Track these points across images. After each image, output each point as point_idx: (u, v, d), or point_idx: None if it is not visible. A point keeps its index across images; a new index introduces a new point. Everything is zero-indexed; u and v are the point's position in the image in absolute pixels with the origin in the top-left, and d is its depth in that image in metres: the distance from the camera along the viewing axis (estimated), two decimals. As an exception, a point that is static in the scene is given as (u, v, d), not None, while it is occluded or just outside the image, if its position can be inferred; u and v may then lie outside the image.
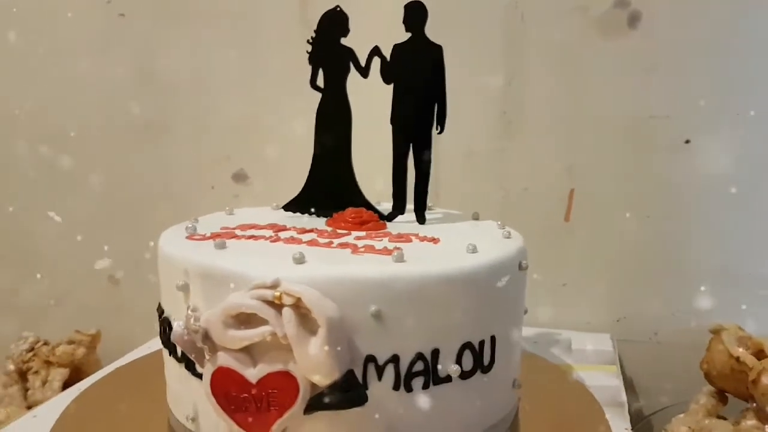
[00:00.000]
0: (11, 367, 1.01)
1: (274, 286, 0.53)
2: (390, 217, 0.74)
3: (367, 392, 0.54)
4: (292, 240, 0.63)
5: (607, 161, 0.94)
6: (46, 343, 1.03)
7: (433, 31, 0.93)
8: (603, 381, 0.79)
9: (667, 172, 0.92)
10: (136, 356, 0.88)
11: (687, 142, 0.91)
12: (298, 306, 0.52)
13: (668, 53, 0.89)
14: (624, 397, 0.76)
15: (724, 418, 0.76)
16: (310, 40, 0.74)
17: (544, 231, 0.97)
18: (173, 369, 0.64)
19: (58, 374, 0.99)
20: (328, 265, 0.55)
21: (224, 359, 0.55)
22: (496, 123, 0.97)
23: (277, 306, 0.52)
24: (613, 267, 0.96)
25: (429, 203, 0.82)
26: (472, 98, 0.96)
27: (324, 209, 0.75)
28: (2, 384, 0.97)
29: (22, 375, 1.01)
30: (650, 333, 0.97)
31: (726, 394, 0.78)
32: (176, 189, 1.12)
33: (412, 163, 0.74)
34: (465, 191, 0.99)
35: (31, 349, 1.02)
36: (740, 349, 0.73)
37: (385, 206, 0.76)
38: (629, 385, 0.97)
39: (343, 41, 0.74)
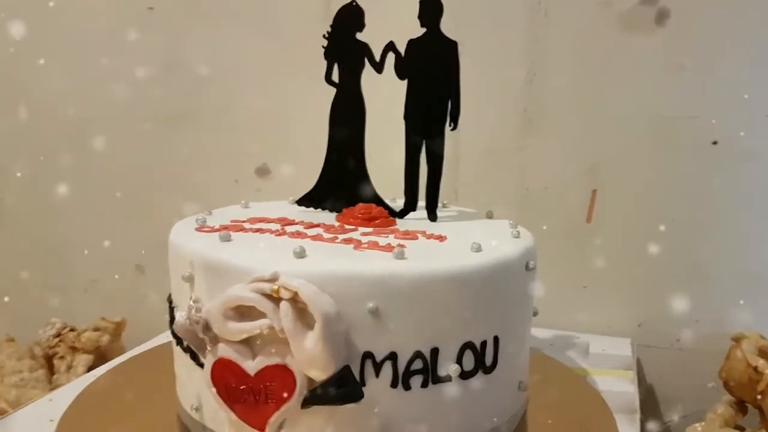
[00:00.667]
0: (38, 351, 1.04)
1: (272, 279, 0.53)
2: (401, 214, 0.74)
3: (364, 389, 0.54)
4: (297, 234, 0.63)
5: (630, 161, 0.92)
6: (72, 330, 1.06)
7: (455, 26, 0.92)
8: (617, 387, 0.78)
9: (692, 174, 0.90)
10: (155, 344, 0.89)
11: (714, 143, 0.88)
12: (295, 300, 0.52)
13: (696, 52, 0.87)
14: (637, 405, 0.74)
15: (743, 429, 0.74)
16: (326, 35, 0.74)
17: (564, 231, 0.96)
18: (180, 359, 0.65)
19: (83, 360, 1.02)
20: (327, 261, 0.55)
21: (224, 351, 0.56)
22: (517, 120, 0.96)
23: (275, 299, 0.53)
24: (635, 270, 0.94)
25: (444, 201, 0.81)
26: (493, 95, 0.96)
27: (336, 204, 0.75)
28: (29, 368, 0.99)
29: (49, 360, 1.04)
30: (672, 339, 0.94)
31: (746, 404, 0.76)
32: (201, 182, 1.13)
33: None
34: (484, 189, 0.98)
35: (58, 334, 1.05)
36: (759, 359, 0.71)
37: (401, 203, 0.75)
38: (649, 392, 0.95)
39: (359, 36, 0.74)
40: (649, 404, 0.94)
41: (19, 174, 1.24)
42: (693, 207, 0.91)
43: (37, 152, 1.23)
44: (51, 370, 1.03)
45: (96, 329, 1.06)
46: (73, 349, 1.03)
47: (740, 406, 0.76)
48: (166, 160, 1.16)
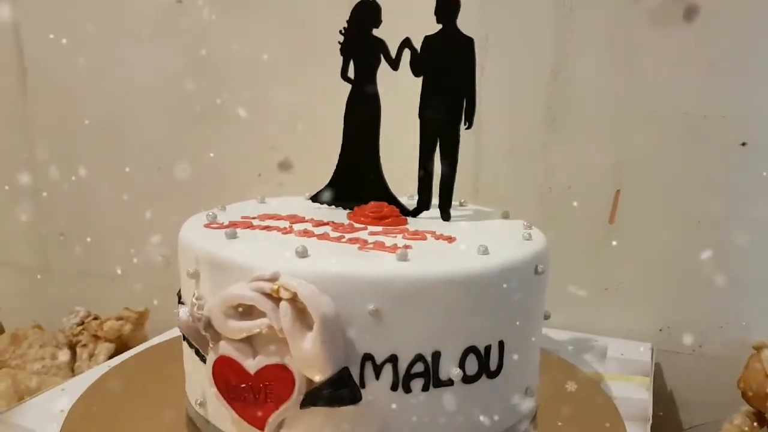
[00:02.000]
0: (62, 339, 1.06)
1: (272, 279, 0.53)
2: (414, 213, 0.73)
3: (364, 391, 0.54)
4: (304, 233, 0.63)
5: (656, 161, 0.89)
6: (96, 318, 1.07)
7: (478, 21, 0.92)
8: (632, 393, 0.76)
9: (720, 175, 0.87)
10: (172, 336, 0.90)
11: (743, 144, 0.85)
12: (295, 300, 0.52)
13: (725, 49, 0.84)
14: (650, 412, 0.72)
15: (761, 441, 0.72)
16: (342, 31, 0.74)
17: (587, 232, 0.93)
18: (187, 354, 0.65)
19: (104, 349, 1.03)
20: (329, 261, 0.55)
21: (225, 348, 0.56)
22: (541, 118, 0.93)
23: (275, 299, 0.52)
24: (658, 273, 0.92)
25: (462, 199, 0.80)
26: (517, 92, 0.94)
27: (349, 202, 0.74)
28: (51, 355, 1.01)
29: (72, 348, 1.06)
30: (695, 345, 0.92)
31: (765, 415, 0.74)
32: (226, 175, 1.13)
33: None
34: (506, 188, 0.97)
35: (82, 323, 1.06)
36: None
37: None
38: (669, 398, 0.92)
39: (375, 32, 0.73)
40: (669, 411, 0.92)
41: (50, 165, 1.27)
42: (720, 209, 0.87)
43: (67, 145, 1.25)
44: (74, 357, 1.05)
45: (119, 318, 1.07)
46: (96, 338, 1.05)
47: (759, 417, 0.73)
48: (194, 153, 1.16)
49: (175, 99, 1.15)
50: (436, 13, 0.69)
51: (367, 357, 0.54)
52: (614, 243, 0.93)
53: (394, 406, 0.55)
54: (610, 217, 0.92)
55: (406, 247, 0.58)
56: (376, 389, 0.54)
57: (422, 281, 0.53)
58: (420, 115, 0.71)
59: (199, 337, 0.57)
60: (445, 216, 0.72)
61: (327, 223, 0.67)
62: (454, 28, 0.69)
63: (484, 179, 0.96)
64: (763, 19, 0.83)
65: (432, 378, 0.55)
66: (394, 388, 0.54)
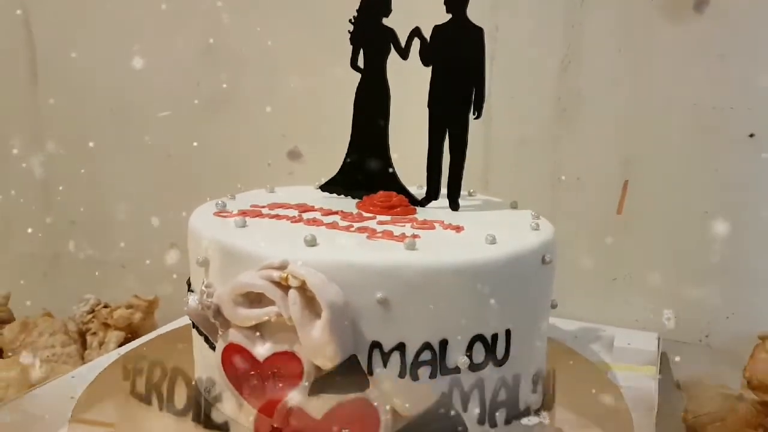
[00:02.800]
0: (72, 327, 1.07)
1: (281, 267, 0.53)
2: (423, 202, 0.73)
3: (372, 378, 0.54)
4: (313, 222, 0.63)
5: (665, 153, 0.89)
6: (106, 306, 1.08)
7: (488, 11, 0.92)
8: (638, 382, 0.76)
9: (727, 167, 0.86)
10: (182, 324, 0.90)
11: (751, 135, 0.85)
12: (304, 288, 0.52)
13: (736, 41, 0.83)
14: (656, 401, 0.72)
15: (766, 429, 0.72)
16: (352, 20, 0.74)
17: (595, 223, 0.93)
18: (196, 341, 0.66)
19: (114, 337, 1.04)
20: (337, 250, 0.55)
21: (235, 336, 0.56)
22: (550, 109, 0.93)
23: (283, 287, 0.53)
24: (666, 264, 0.91)
25: (471, 189, 0.81)
26: (526, 83, 0.94)
27: (358, 191, 0.74)
28: (61, 343, 1.02)
29: (82, 335, 1.07)
30: (701, 335, 0.92)
31: (772, 405, 0.74)
32: (236, 164, 1.14)
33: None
34: (516, 179, 0.96)
35: (92, 311, 1.07)
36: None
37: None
38: (675, 388, 0.92)
39: (385, 21, 0.73)
40: (674, 400, 0.92)
41: (62, 153, 1.27)
42: (728, 200, 0.87)
43: (80, 132, 1.25)
44: (84, 345, 1.06)
45: (129, 307, 1.08)
46: (106, 326, 1.05)
47: (764, 407, 0.73)
48: (204, 141, 1.16)
49: (184, 88, 1.15)
50: (445, 3, 0.69)
51: (375, 345, 0.54)
52: (622, 233, 0.93)
53: (401, 393, 0.55)
54: (618, 207, 0.92)
55: (415, 236, 0.58)
56: (384, 376, 0.55)
57: (430, 270, 0.54)
58: (429, 105, 0.71)
59: (209, 324, 0.58)
60: (454, 206, 0.72)
61: (336, 212, 0.67)
62: (463, 17, 0.69)
63: (494, 169, 0.96)
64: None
65: (439, 366, 0.55)
66: (401, 375, 0.55)
